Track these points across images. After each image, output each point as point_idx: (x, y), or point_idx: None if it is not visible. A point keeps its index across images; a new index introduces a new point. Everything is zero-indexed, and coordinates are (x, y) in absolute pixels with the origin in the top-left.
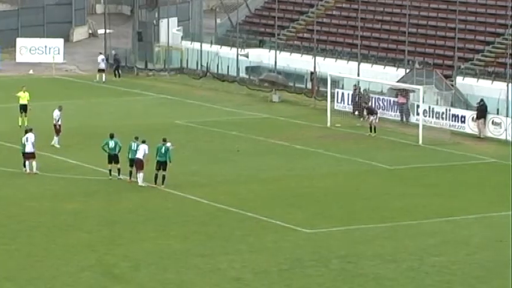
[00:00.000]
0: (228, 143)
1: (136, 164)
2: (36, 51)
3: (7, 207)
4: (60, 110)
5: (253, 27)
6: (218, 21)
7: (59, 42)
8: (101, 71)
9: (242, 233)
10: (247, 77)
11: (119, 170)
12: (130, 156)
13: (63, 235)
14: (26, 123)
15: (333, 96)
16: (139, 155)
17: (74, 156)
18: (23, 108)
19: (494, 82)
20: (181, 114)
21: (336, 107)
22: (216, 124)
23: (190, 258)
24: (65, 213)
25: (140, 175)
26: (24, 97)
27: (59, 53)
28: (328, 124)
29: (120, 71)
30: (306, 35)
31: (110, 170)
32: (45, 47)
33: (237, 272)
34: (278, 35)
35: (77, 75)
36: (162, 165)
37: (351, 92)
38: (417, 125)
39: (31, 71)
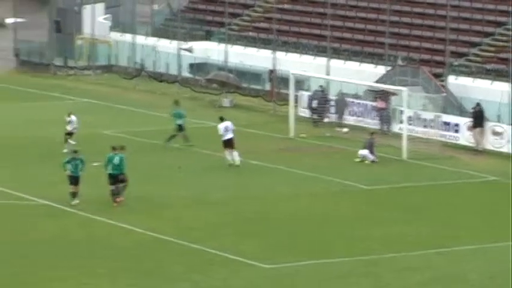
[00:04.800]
0: (167, 159)
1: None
2: None
3: None
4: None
5: (199, 14)
6: (155, 7)
7: None
8: None
9: (185, 269)
10: (191, 76)
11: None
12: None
13: None
14: None
15: (296, 100)
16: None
17: None
18: None
19: (494, 82)
20: (109, 122)
21: (300, 113)
22: (152, 135)
23: None
24: None
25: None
26: None
27: None
28: (291, 134)
29: None
30: (263, 25)
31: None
32: None
33: None
34: (229, 24)
35: None
36: (117, 178)
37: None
38: (400, 135)
39: None
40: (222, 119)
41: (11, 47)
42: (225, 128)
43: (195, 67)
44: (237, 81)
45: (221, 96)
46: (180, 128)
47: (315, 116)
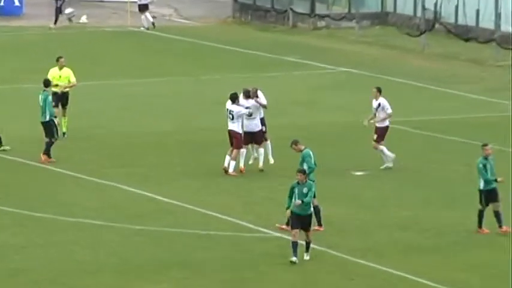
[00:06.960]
0: (473, 166)
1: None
2: None
3: None
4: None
5: None
6: None
7: None
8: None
9: None
10: None
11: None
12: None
13: None
14: (64, 128)
15: None
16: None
17: (171, 189)
18: (60, 99)
19: None
20: None
21: None
22: (450, 126)
23: None
24: None
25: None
26: (60, 78)
27: None
28: None
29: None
30: None
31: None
32: None
33: None
34: None
35: (175, 28)
36: None
37: None
38: None
39: (84, 18)
40: (379, 89)
41: None
42: None
43: None
44: None
45: None
46: None
47: None
